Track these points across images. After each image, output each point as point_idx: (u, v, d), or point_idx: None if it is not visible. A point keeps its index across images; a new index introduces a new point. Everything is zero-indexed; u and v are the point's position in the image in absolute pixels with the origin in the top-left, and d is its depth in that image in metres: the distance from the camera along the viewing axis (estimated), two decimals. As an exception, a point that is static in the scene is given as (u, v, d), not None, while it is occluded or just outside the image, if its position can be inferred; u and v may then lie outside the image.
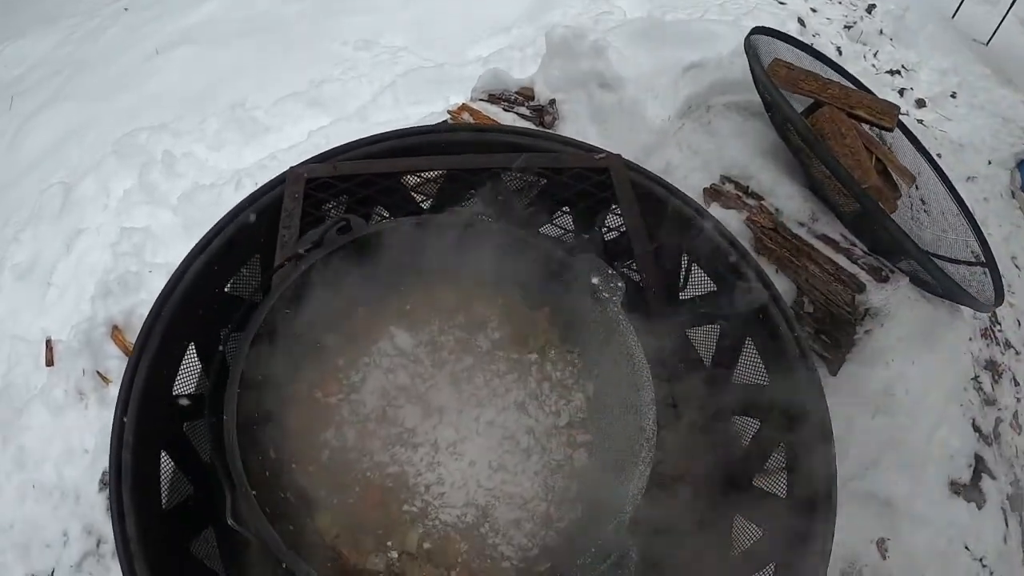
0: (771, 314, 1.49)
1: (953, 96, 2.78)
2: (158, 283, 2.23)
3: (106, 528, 2.04)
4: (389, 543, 1.01)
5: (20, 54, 3.04)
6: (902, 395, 1.96)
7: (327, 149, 1.45)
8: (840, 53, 2.74)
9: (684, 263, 1.58)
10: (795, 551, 1.35)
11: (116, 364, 2.15)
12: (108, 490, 1.26)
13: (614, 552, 0.89)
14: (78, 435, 2.12)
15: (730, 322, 1.55)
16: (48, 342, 2.27)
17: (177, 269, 1.38)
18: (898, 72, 2.80)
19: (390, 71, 2.64)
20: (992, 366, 2.28)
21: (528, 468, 1.08)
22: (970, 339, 2.20)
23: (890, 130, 1.99)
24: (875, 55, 2.80)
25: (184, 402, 1.46)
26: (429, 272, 1.18)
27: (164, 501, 1.37)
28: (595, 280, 1.11)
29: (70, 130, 2.75)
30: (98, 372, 2.17)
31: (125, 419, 1.30)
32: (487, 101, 2.21)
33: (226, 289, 1.47)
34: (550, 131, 1.93)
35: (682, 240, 1.53)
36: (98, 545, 2.04)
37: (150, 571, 1.19)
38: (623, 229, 1.47)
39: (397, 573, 0.99)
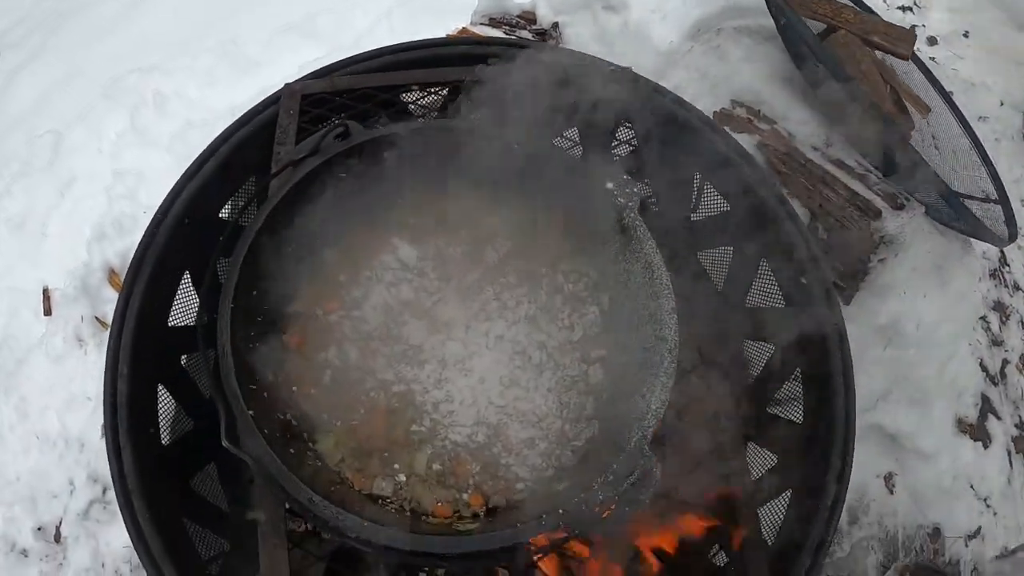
0: (788, 233, 1.40)
1: (966, 36, 2.64)
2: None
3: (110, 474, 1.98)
4: (396, 466, 0.93)
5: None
6: (912, 329, 1.87)
7: (324, 65, 1.33)
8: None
9: (696, 182, 1.48)
10: (812, 477, 1.29)
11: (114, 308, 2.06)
12: (104, 429, 1.18)
13: (637, 468, 0.82)
14: (79, 382, 2.04)
15: (743, 244, 1.47)
16: (45, 291, 2.18)
17: (169, 193, 1.28)
18: (910, 9, 2.66)
19: (385, 0, 2.50)
20: (1000, 307, 2.20)
21: (541, 385, 1.00)
22: (979, 279, 2.11)
23: (906, 58, 1.87)
24: (886, -11, 2.66)
25: (181, 334, 1.38)
26: (433, 181, 1.07)
27: (163, 437, 1.29)
28: (610, 185, 1.01)
29: (58, 79, 2.61)
30: (96, 318, 2.08)
31: (120, 350, 1.22)
32: (488, 25, 2.08)
33: (221, 214, 1.37)
34: (556, 44, 1.81)
35: (694, 158, 1.43)
36: (104, 492, 1.98)
37: (148, 508, 1.13)
38: (634, 144, 1.37)
39: (406, 497, 0.91)
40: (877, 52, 1.84)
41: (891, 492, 1.90)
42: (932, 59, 2.44)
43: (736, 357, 1.57)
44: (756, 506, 1.32)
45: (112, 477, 1.16)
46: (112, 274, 2.10)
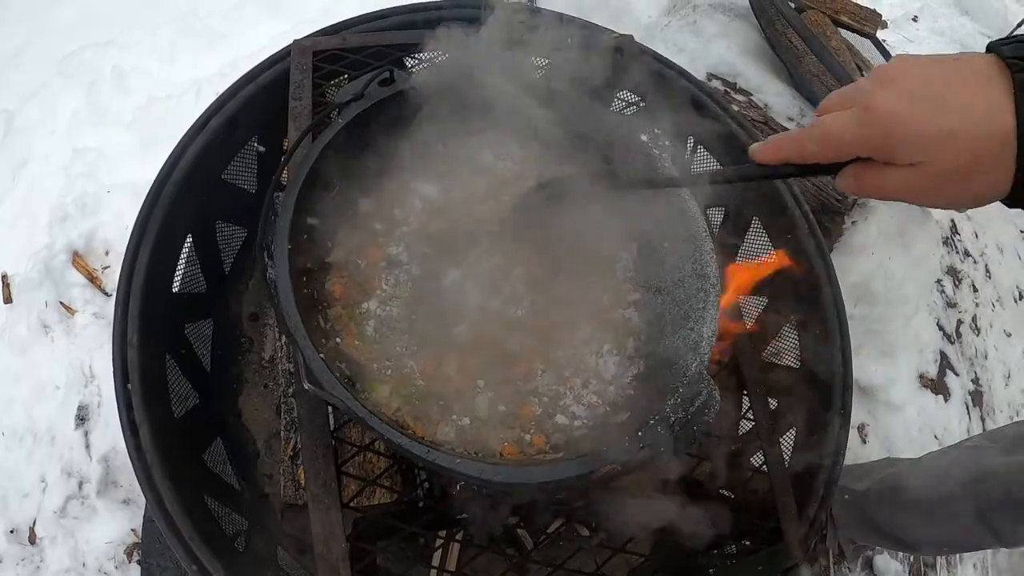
0: (778, 191, 1.48)
1: (915, 20, 2.83)
2: (120, 203, 2.03)
3: (87, 468, 1.86)
4: (456, 411, 0.93)
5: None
6: (880, 287, 2.00)
7: (334, 23, 1.31)
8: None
9: (689, 145, 1.53)
10: (816, 416, 1.36)
11: (80, 292, 1.95)
12: (117, 404, 1.12)
13: (703, 390, 0.84)
14: (47, 371, 1.91)
15: (735, 202, 1.53)
16: (3, 278, 2.03)
17: (172, 152, 1.23)
18: (868, -11, 2.83)
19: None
20: (953, 272, 2.36)
21: (583, 327, 1.02)
22: (937, 243, 2.27)
23: (872, 36, 1.99)
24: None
25: (185, 301, 1.33)
26: (471, 129, 1.07)
27: (175, 410, 1.24)
28: (644, 137, 1.04)
29: (6, 56, 2.43)
30: (61, 303, 1.96)
31: (127, 318, 1.16)
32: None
33: (223, 176, 1.32)
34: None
35: (688, 120, 1.48)
36: (80, 486, 1.86)
37: (171, 485, 1.08)
38: (638, 105, 1.40)
39: (469, 440, 0.91)
40: (843, 31, 1.95)
41: (864, 442, 2.02)
42: (884, 41, 2.60)
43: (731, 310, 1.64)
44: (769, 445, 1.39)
45: (129, 453, 1.10)
46: (76, 256, 1.98)
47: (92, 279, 1.96)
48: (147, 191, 1.20)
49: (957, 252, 2.35)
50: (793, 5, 1.92)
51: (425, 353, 0.97)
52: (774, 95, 1.87)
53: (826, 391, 1.35)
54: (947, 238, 2.33)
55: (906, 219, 1.98)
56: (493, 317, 1.01)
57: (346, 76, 1.23)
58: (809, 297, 1.44)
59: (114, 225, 1.96)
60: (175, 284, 1.29)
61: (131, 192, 1.98)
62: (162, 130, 2.12)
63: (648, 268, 1.09)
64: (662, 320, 1.02)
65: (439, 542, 1.44)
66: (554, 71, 1.14)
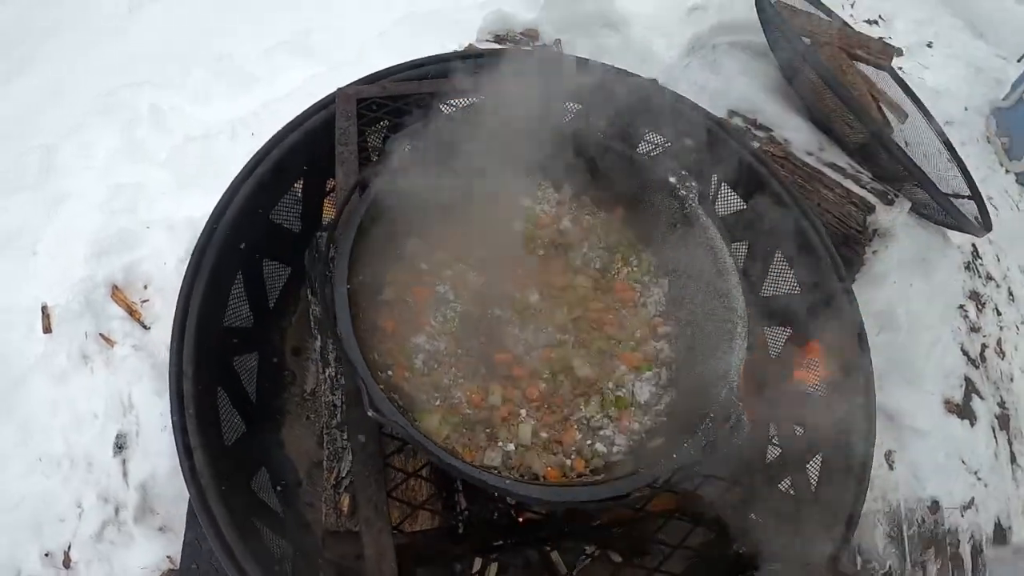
0: (802, 227, 1.57)
1: (929, 46, 2.93)
2: (157, 239, 2.15)
3: (124, 494, 1.95)
4: (500, 440, 1.03)
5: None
6: (903, 315, 2.08)
7: (368, 73, 1.44)
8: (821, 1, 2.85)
9: (715, 183, 1.64)
10: (838, 441, 1.43)
11: (120, 324, 2.06)
12: (173, 429, 1.23)
13: (732, 415, 0.94)
14: (85, 401, 2.02)
15: (759, 237, 1.63)
16: (44, 308, 2.15)
17: (225, 192, 1.35)
18: (875, 22, 2.93)
19: (381, 18, 2.59)
20: (976, 296, 2.43)
21: (624, 359, 1.12)
22: (958, 269, 2.35)
23: (886, 69, 2.10)
24: (852, 5, 2.93)
25: (234, 335, 1.44)
26: (504, 174, 1.18)
27: (225, 438, 1.35)
28: (672, 179, 1.15)
29: (45, 94, 2.59)
30: (101, 334, 2.07)
31: (183, 350, 1.27)
32: (493, 42, 2.22)
33: (271, 217, 1.44)
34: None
35: (714, 161, 1.59)
36: (116, 512, 1.95)
37: (224, 507, 1.18)
38: (664, 147, 1.51)
39: (515, 465, 1.00)
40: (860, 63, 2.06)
41: (891, 468, 2.08)
42: (900, 68, 2.71)
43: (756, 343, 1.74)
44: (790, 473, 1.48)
45: (184, 477, 1.21)
46: (115, 290, 2.10)
47: (131, 312, 2.08)
48: (183, 231, 1.32)
49: (979, 276, 2.42)
50: (808, 41, 2.03)
51: (471, 385, 1.07)
52: (794, 130, 1.97)
53: (849, 420, 1.43)
54: (968, 262, 2.40)
55: (926, 245, 2.07)
56: (534, 351, 1.11)
57: (383, 124, 1.35)
58: (831, 326, 1.53)
59: (153, 260, 2.09)
60: (225, 319, 1.40)
61: (167, 228, 2.11)
62: (197, 168, 2.26)
63: (678, 302, 1.19)
64: (693, 351, 1.12)
65: (476, 567, 1.52)
66: (581, 117, 1.26)
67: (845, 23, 2.18)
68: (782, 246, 1.62)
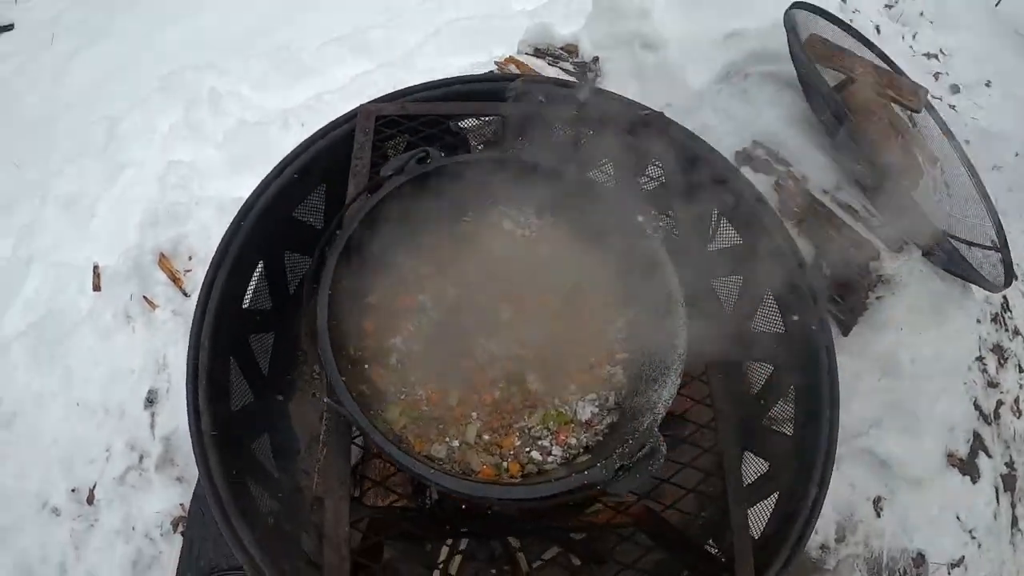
0: (790, 269, 1.70)
1: (988, 85, 2.93)
2: (206, 216, 2.44)
3: (149, 444, 2.26)
4: (451, 434, 1.23)
5: (56, -7, 3.20)
6: (907, 362, 2.16)
7: (389, 91, 1.65)
8: (879, 32, 2.89)
9: (714, 218, 1.78)
10: (797, 482, 1.57)
11: (163, 290, 2.37)
12: (186, 394, 1.48)
13: (648, 444, 1.11)
14: (125, 357, 2.33)
15: (752, 274, 1.76)
16: (96, 268, 2.48)
17: (254, 191, 1.59)
18: (935, 56, 2.95)
19: (436, 19, 2.81)
20: (999, 350, 2.47)
21: (574, 378, 1.30)
22: (978, 321, 2.39)
23: (917, 111, 2.18)
24: (914, 37, 2.95)
25: (252, 315, 1.69)
26: (493, 204, 1.38)
27: (233, 404, 1.59)
28: (640, 219, 1.32)
29: (113, 67, 2.93)
30: (145, 297, 2.38)
31: (203, 324, 1.52)
32: (532, 55, 2.40)
33: (293, 214, 1.68)
34: (595, 77, 2.12)
35: (714, 196, 1.73)
36: (140, 460, 2.26)
37: (220, 463, 1.42)
38: (662, 180, 1.67)
39: (457, 460, 1.21)
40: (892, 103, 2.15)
41: (879, 515, 2.17)
42: (952, 107, 2.74)
43: (739, 374, 1.88)
44: (748, 506, 1.62)
45: (191, 433, 1.45)
46: (162, 258, 2.41)
47: (175, 280, 2.38)
48: (231, 211, 1.57)
49: (1007, 330, 2.46)
50: (841, 79, 2.13)
51: (434, 385, 1.27)
52: (813, 167, 2.08)
53: (809, 462, 1.56)
54: (997, 314, 2.44)
55: (942, 297, 2.13)
56: (496, 362, 1.31)
57: (401, 139, 1.57)
58: (808, 370, 1.65)
59: (199, 235, 2.38)
60: (246, 300, 1.64)
61: (216, 207, 2.40)
62: (249, 153, 2.54)
63: (638, 333, 1.36)
64: (640, 380, 1.29)
65: (443, 555, 1.74)
66: (571, 147, 1.43)
67: (882, 60, 2.25)
68: (772, 286, 1.75)
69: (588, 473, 1.06)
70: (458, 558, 1.76)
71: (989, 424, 2.33)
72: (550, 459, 1.22)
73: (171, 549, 2.10)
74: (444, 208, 1.38)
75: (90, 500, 2.23)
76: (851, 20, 2.44)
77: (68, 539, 2.17)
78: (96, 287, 2.46)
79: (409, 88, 1.67)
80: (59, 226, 2.62)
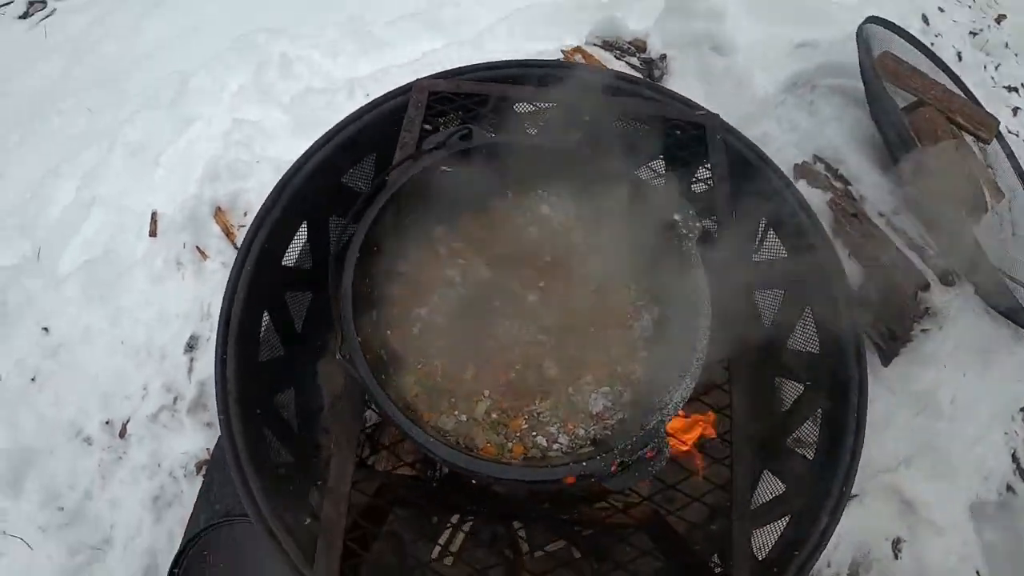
0: (834, 291, 1.65)
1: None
2: (265, 175, 2.51)
3: (185, 388, 2.34)
4: (457, 410, 1.23)
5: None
6: (947, 403, 2.07)
7: (450, 68, 1.66)
8: (960, 59, 2.77)
9: (762, 227, 1.74)
10: (811, 508, 1.52)
11: (215, 242, 2.44)
12: (216, 339, 1.51)
13: (652, 444, 1.09)
14: (173, 302, 2.42)
15: (794, 290, 1.71)
16: (153, 215, 2.57)
17: (304, 153, 1.62)
18: (1016, 90, 2.81)
19: (510, 3, 2.80)
20: (1049, 404, 2.34)
21: (593, 370, 1.29)
22: (1027, 369, 2.28)
23: (987, 142, 2.08)
24: (996, 68, 2.82)
25: (290, 273, 1.72)
26: (532, 188, 1.37)
27: (261, 355, 1.63)
28: (677, 217, 1.29)
29: (188, 25, 3.02)
30: (198, 247, 2.46)
31: (241, 275, 1.56)
32: (600, 47, 2.38)
33: (343, 180, 1.70)
34: (658, 84, 2.08)
35: (764, 206, 1.69)
36: (174, 401, 2.34)
37: (240, 409, 1.45)
38: (710, 183, 1.64)
39: (462, 433, 1.21)
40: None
41: (896, 556, 2.10)
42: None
43: (770, 390, 1.84)
44: (758, 526, 1.58)
45: (215, 379, 1.49)
46: (218, 211, 2.48)
47: (227, 233, 2.45)
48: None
49: (1061, 384, 2.33)
50: (912, 100, 2.05)
51: (452, 357, 1.28)
52: (872, 187, 2.01)
53: (825, 489, 1.51)
54: (1053, 365, 2.32)
55: (993, 339, 2.04)
56: (517, 344, 1.31)
57: (454, 115, 1.57)
58: (837, 395, 1.60)
59: (256, 192, 2.44)
60: (287, 259, 1.68)
61: (275, 168, 2.45)
62: (314, 118, 2.59)
63: (662, 332, 1.34)
64: (658, 380, 1.27)
65: (445, 537, 1.75)
66: (620, 140, 1.42)
67: (957, 87, 2.16)
68: (813, 306, 1.70)
69: (587, 464, 1.05)
70: (461, 536, 1.77)
71: (1024, 478, 2.21)
72: (555, 447, 1.21)
73: (192, 490, 2.16)
74: (483, 186, 1.38)
75: (122, 434, 2.31)
76: (932, 44, 2.34)
77: (96, 469, 2.25)
78: (152, 233, 2.55)
79: (467, 67, 1.67)
80: (123, 172, 2.72)
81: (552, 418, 1.23)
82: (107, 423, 2.33)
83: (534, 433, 1.22)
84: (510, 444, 1.20)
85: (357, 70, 2.64)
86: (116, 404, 2.36)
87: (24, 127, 2.97)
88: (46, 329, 2.49)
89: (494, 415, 1.22)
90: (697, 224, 1.29)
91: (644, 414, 1.19)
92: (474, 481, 1.50)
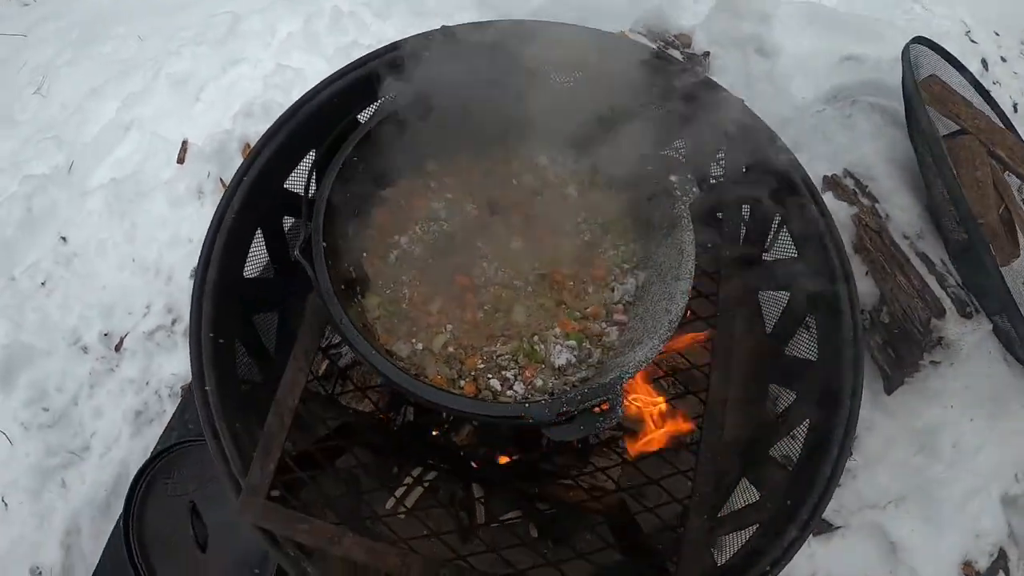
0: (839, 298, 1.54)
1: None
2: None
3: (184, 310, 2.32)
4: (415, 339, 1.18)
5: None
6: (948, 446, 1.94)
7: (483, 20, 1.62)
8: (1016, 110, 2.64)
9: (775, 226, 1.65)
10: (779, 520, 1.42)
11: (237, 177, 2.43)
12: (204, 239, 1.48)
13: (606, 397, 1.02)
14: (188, 227, 2.41)
15: (799, 295, 1.62)
16: (184, 143, 2.59)
17: (318, 84, 1.59)
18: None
19: (566, -18, 2.76)
20: (1050, 469, 2.18)
21: (564, 323, 1.22)
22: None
23: (1025, 180, 1.95)
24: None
25: (292, 198, 1.68)
26: (535, 136, 1.32)
27: (247, 271, 1.60)
28: (673, 178, 1.22)
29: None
30: (221, 179, 2.46)
31: (237, 189, 1.52)
32: (645, 35, 2.32)
33: (359, 117, 1.66)
34: (701, 72, 2.00)
35: (781, 205, 1.59)
36: (173, 323, 2.33)
37: (214, 317, 1.41)
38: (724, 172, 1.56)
39: (415, 362, 1.15)
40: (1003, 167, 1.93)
41: (875, 604, 1.96)
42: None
43: (762, 393, 1.74)
44: (725, 532, 1.49)
45: (194, 284, 1.46)
46: (246, 147, 2.48)
47: (247, 168, 2.45)
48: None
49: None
50: (954, 129, 1.93)
51: (422, 288, 1.23)
52: (899, 208, 1.90)
53: (798, 502, 1.40)
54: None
55: (1007, 386, 1.91)
56: (490, 286, 1.25)
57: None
58: (826, 409, 1.49)
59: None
60: (289, 183, 1.64)
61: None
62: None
63: (643, 297, 1.27)
64: (631, 343, 1.20)
65: (409, 481, 1.68)
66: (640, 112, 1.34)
67: (1001, 121, 2.03)
68: (816, 314, 1.60)
69: (529, 406, 0.98)
70: (419, 491, 1.70)
71: (1018, 545, 2.05)
72: (509, 393, 1.14)
73: (173, 411, 2.15)
74: (484, 125, 1.32)
75: (118, 347, 2.31)
76: (980, 73, 2.22)
77: (87, 377, 2.25)
78: (180, 160, 2.56)
79: (498, 21, 1.63)
80: (164, 101, 2.74)
81: (510, 363, 1.17)
82: (105, 335, 2.34)
83: (489, 376, 1.16)
84: (462, 382, 1.14)
85: (405, 32, 2.62)
86: (117, 318, 2.36)
87: (76, 49, 3.03)
88: (64, 238, 2.51)
89: (451, 349, 1.16)
90: (693, 188, 1.22)
91: (605, 373, 1.12)
92: (437, 435, 1.45)
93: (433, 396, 0.98)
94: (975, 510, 1.97)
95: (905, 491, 1.95)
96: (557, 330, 1.22)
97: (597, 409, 1.01)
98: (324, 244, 1.08)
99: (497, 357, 1.17)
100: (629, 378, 1.05)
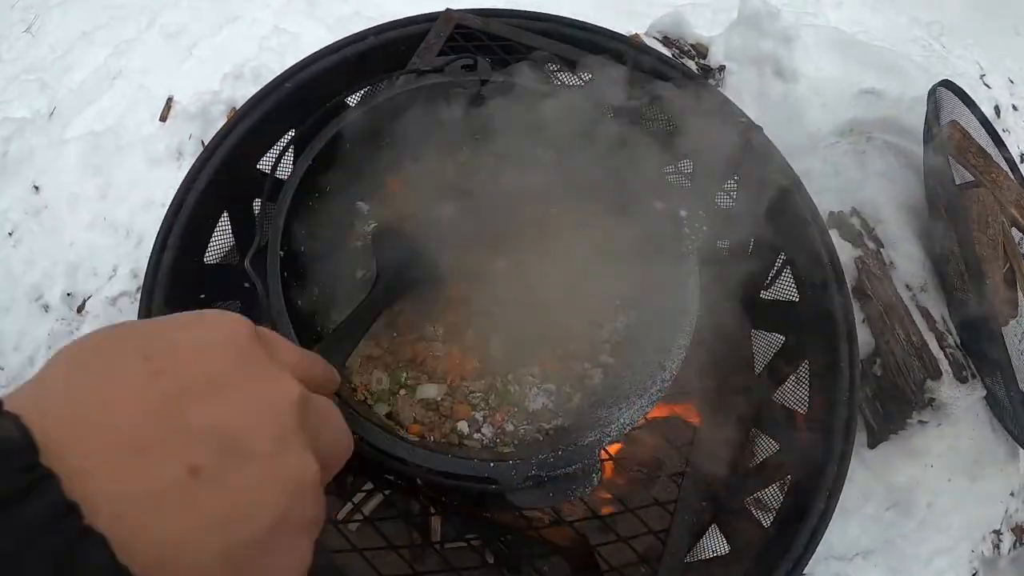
0: (839, 354, 1.39)
1: None
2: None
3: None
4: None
5: None
6: (922, 504, 1.82)
7: (489, 7, 1.42)
8: (1022, 160, 2.50)
9: (778, 264, 1.49)
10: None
11: (219, 141, 2.22)
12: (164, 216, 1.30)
13: (580, 464, 0.86)
14: (163, 189, 2.21)
15: (796, 341, 1.46)
16: (169, 100, 2.37)
17: (307, 58, 1.40)
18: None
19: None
20: (1019, 532, 2.07)
21: (543, 362, 1.05)
22: (1012, 493, 2.00)
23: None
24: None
25: (262, 182, 1.49)
26: (524, 141, 1.13)
27: (208, 257, 1.41)
28: (683, 213, 1.05)
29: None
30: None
31: (204, 167, 1.34)
32: (660, 41, 2.13)
33: (347, 100, 1.47)
34: (708, 81, 1.83)
35: (787, 242, 1.44)
36: (137, 290, 2.14)
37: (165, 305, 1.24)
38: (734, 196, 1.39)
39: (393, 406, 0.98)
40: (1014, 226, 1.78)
41: (825, 649, 1.85)
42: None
43: (742, 440, 1.59)
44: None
45: (148, 265, 1.28)
46: (232, 111, 2.27)
47: (232, 135, 2.24)
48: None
49: (1045, 517, 2.06)
50: (968, 179, 1.78)
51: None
52: (905, 257, 1.75)
53: (772, 565, 1.26)
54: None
55: (989, 451, 1.78)
56: (467, 308, 1.07)
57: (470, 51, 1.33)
58: (809, 466, 1.35)
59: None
60: (260, 163, 1.46)
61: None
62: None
63: (635, 340, 1.10)
64: (616, 392, 1.03)
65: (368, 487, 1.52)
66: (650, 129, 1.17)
67: (1019, 181, 1.88)
68: (813, 362, 1.45)
69: (493, 466, 0.81)
70: (377, 499, 1.55)
71: (979, 608, 1.94)
72: (476, 436, 0.98)
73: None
74: (474, 122, 1.14)
75: (79, 309, 2.13)
76: (992, 119, 2.06)
77: (45, 337, 2.08)
78: (163, 118, 2.35)
79: (502, 9, 1.43)
80: (155, 53, 2.52)
81: (480, 402, 1.00)
82: (68, 295, 2.15)
83: (455, 420, 0.98)
84: (447, 426, 0.97)
85: (412, 10, 2.41)
86: (82, 278, 2.18)
87: (69, -10, 2.79)
88: (37, 188, 2.31)
89: (411, 381, 0.99)
90: (703, 227, 1.05)
91: (587, 427, 0.96)
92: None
93: (390, 447, 0.81)
94: (942, 566, 1.86)
95: (874, 545, 1.83)
96: (536, 369, 1.05)
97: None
98: (281, 253, 0.90)
99: (469, 394, 1.00)
100: (610, 442, 0.89)
